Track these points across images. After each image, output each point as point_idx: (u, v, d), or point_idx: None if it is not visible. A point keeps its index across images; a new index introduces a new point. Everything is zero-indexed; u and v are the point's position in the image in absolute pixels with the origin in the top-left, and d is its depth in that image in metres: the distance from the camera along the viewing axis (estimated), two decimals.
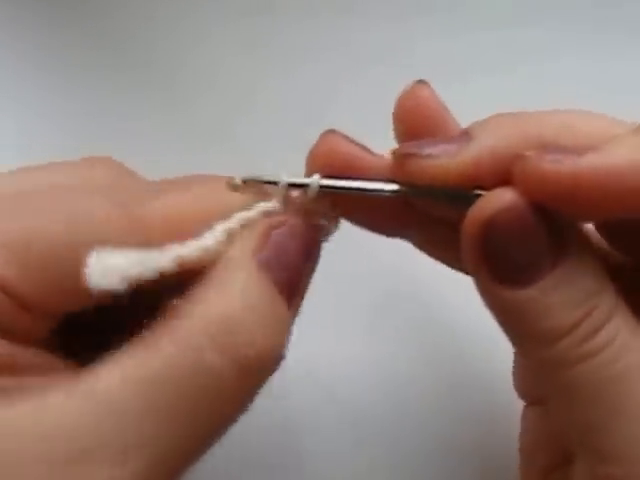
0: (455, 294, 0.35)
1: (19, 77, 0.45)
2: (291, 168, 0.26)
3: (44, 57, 0.45)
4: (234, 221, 0.24)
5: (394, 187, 0.24)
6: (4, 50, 0.45)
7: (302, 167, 0.26)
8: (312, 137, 0.26)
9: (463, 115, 0.26)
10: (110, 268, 0.21)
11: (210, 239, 0.23)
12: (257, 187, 0.25)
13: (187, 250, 0.23)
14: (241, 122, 0.43)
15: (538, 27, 0.46)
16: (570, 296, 0.22)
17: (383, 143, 0.26)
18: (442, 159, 0.23)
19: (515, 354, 0.31)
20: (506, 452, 0.32)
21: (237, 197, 0.25)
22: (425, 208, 0.25)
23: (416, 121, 0.25)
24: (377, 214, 0.27)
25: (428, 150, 0.23)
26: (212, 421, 0.22)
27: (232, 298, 0.22)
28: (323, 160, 0.25)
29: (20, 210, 0.23)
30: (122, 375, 0.21)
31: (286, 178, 0.25)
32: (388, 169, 0.25)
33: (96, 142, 0.40)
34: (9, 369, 0.22)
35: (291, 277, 0.24)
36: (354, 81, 0.44)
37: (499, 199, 0.22)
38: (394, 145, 0.26)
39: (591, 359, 0.22)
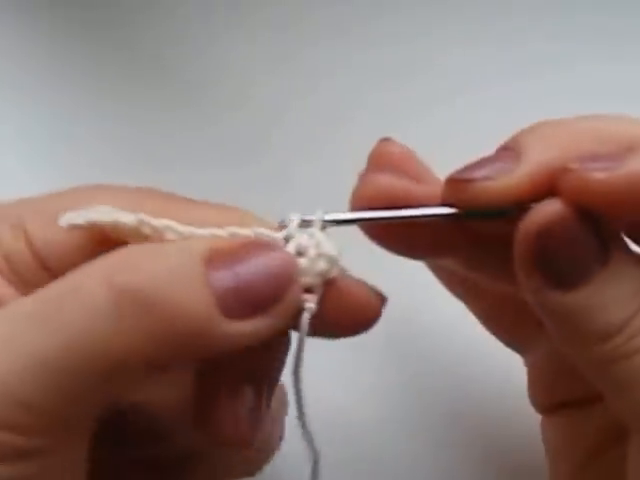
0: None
1: (42, 92, 0.45)
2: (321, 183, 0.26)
3: (72, 75, 0.46)
4: (222, 231, 0.24)
5: (449, 211, 0.25)
6: (18, 64, 0.46)
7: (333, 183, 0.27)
8: (344, 151, 0.26)
9: (480, 124, 0.26)
10: (72, 217, 0.24)
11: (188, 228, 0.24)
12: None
13: (157, 222, 0.24)
14: (272, 139, 0.44)
15: (555, 38, 0.46)
16: (620, 292, 0.23)
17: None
18: (501, 179, 0.24)
19: (528, 370, 0.32)
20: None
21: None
22: (476, 227, 0.26)
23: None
24: (422, 238, 0.27)
25: (483, 173, 0.24)
26: (93, 349, 0.21)
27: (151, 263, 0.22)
28: (367, 203, 0.26)
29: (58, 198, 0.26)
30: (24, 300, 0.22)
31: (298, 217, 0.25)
32: (437, 197, 0.25)
33: (125, 163, 0.41)
34: None
35: (244, 300, 0.23)
36: (381, 94, 0.44)
37: (549, 210, 0.23)
38: (426, 153, 0.26)
39: (631, 358, 0.23)
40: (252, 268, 0.23)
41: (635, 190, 0.22)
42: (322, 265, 0.24)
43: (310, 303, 0.24)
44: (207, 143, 0.43)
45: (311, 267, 0.24)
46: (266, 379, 0.27)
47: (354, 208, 0.26)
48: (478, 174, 0.24)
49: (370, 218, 0.25)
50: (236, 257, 0.23)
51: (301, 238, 0.25)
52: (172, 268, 0.22)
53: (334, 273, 0.24)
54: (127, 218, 0.24)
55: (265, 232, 0.25)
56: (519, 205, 0.24)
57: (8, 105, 0.44)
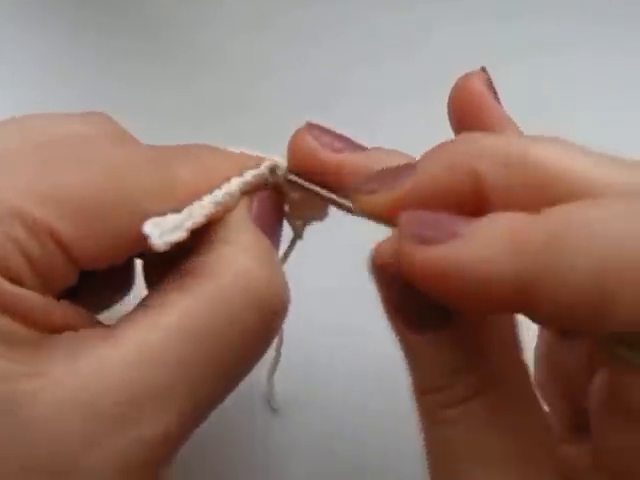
0: None
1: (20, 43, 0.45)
2: None
3: (49, 22, 0.45)
4: (247, 177, 0.26)
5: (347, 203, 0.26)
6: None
7: None
8: (320, 114, 0.27)
9: None
10: (169, 228, 0.23)
11: (227, 195, 0.25)
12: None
13: (217, 196, 0.25)
14: (250, 95, 0.44)
15: (554, 20, 0.46)
16: (445, 358, 0.22)
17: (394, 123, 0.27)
18: (377, 196, 0.24)
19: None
20: None
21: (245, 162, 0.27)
22: None
23: (467, 111, 0.26)
24: None
25: (371, 186, 0.24)
26: (238, 365, 0.24)
27: (247, 254, 0.24)
28: (298, 163, 0.27)
29: (57, 162, 0.23)
30: (162, 325, 0.22)
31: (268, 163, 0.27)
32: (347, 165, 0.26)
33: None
34: (47, 323, 0.22)
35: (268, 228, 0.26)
36: (365, 65, 0.44)
37: (386, 249, 0.23)
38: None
39: (444, 426, 0.22)
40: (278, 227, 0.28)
41: (440, 278, 0.20)
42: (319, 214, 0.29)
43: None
44: (189, 99, 0.43)
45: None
46: None
47: (289, 160, 0.27)
48: (369, 186, 0.24)
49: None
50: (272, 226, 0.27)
51: None
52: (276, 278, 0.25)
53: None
54: (213, 204, 0.25)
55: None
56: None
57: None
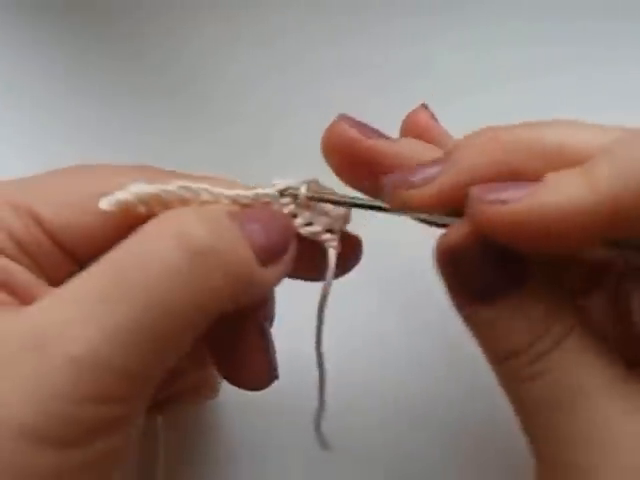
0: None
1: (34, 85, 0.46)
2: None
3: (68, 69, 0.47)
4: (241, 190, 0.28)
5: (378, 204, 0.27)
6: (15, 55, 0.47)
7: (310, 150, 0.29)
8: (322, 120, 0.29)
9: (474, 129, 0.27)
10: (115, 195, 0.25)
11: (203, 191, 0.27)
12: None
13: (180, 186, 0.26)
14: (273, 139, 0.45)
15: (552, 44, 0.47)
16: (525, 318, 0.24)
17: None
18: (416, 190, 0.25)
19: None
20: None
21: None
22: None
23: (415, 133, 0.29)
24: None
25: (413, 179, 0.25)
26: (174, 305, 0.24)
27: (187, 211, 0.26)
28: (332, 149, 0.28)
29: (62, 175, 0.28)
30: (92, 271, 0.24)
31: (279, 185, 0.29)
32: (396, 154, 0.27)
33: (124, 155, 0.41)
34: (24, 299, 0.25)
35: (269, 248, 0.26)
36: (380, 98, 0.45)
37: (455, 233, 0.24)
38: None
39: (541, 378, 0.24)
40: (271, 224, 0.27)
41: (527, 228, 0.23)
42: (341, 222, 0.29)
43: (333, 242, 0.29)
44: (185, 111, 0.45)
45: (329, 218, 0.29)
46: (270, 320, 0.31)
47: (322, 150, 0.28)
48: (408, 179, 0.25)
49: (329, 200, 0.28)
50: (255, 215, 0.27)
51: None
52: (218, 229, 0.25)
53: (349, 219, 0.29)
54: (169, 186, 0.26)
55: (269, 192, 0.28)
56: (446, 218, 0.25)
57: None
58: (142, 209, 0.26)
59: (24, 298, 0.26)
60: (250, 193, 0.28)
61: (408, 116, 0.29)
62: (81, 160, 0.29)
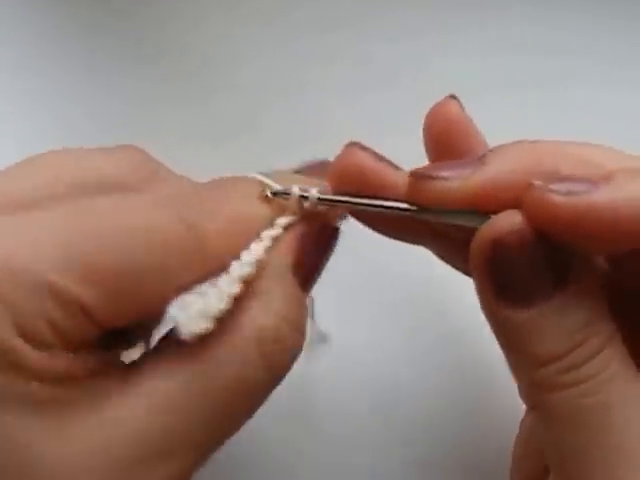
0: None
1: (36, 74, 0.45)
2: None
3: (63, 49, 0.46)
4: (277, 228, 0.26)
5: (404, 206, 0.26)
6: (23, 44, 0.45)
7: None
8: (330, 137, 0.28)
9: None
10: (195, 315, 0.23)
11: (260, 249, 0.25)
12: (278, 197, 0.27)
13: (245, 268, 0.25)
14: (264, 117, 0.44)
15: (556, 55, 0.46)
16: (563, 326, 0.23)
17: (396, 149, 0.27)
18: (453, 182, 0.24)
19: None
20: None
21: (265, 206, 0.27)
22: (436, 227, 0.27)
23: (444, 137, 0.27)
24: (390, 223, 0.28)
25: (442, 173, 0.24)
26: (244, 417, 0.25)
27: (276, 310, 0.24)
28: (343, 175, 0.26)
29: (89, 223, 0.23)
30: (178, 381, 0.23)
31: (297, 191, 0.27)
32: (405, 188, 0.26)
33: (114, 135, 0.40)
34: (70, 379, 0.22)
35: (310, 275, 0.27)
36: (374, 90, 0.44)
37: (508, 221, 0.23)
38: (402, 153, 0.27)
39: (574, 387, 0.23)
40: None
41: (595, 221, 0.22)
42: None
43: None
44: (195, 120, 0.44)
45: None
46: None
47: (330, 178, 0.27)
48: (437, 173, 0.24)
49: (337, 200, 0.27)
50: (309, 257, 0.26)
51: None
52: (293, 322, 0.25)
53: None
54: (234, 286, 0.24)
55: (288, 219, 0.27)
56: (475, 212, 0.24)
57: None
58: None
59: (68, 380, 0.23)
60: (277, 230, 0.26)
61: (435, 108, 0.27)
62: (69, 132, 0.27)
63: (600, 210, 0.22)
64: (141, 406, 0.22)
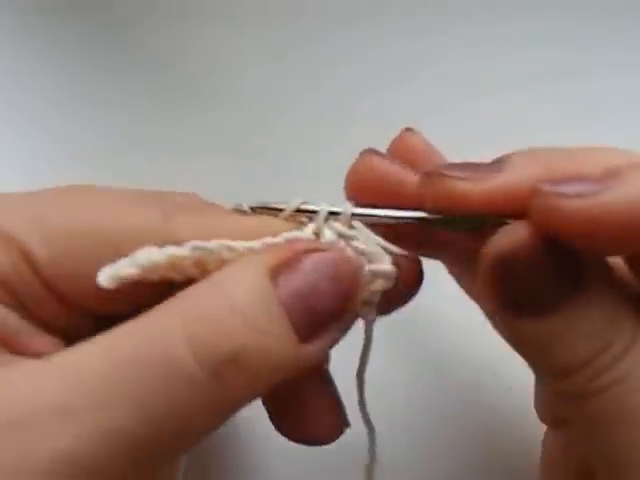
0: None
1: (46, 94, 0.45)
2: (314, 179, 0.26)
3: (68, 68, 0.46)
4: (279, 238, 0.24)
5: (419, 215, 0.25)
6: (29, 67, 0.46)
7: (325, 177, 0.27)
8: (335, 150, 0.27)
9: (486, 132, 0.26)
10: (123, 263, 0.21)
11: (240, 245, 0.23)
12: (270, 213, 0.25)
13: (203, 245, 0.23)
14: (267, 134, 0.44)
15: (563, 47, 0.46)
16: (586, 330, 0.22)
17: None
18: (467, 183, 0.23)
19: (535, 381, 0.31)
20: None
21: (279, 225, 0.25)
22: (449, 237, 0.26)
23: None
24: (405, 236, 0.27)
25: (457, 173, 0.23)
26: (181, 421, 0.21)
27: (223, 300, 0.21)
28: (361, 180, 0.26)
29: (66, 204, 0.24)
30: (94, 352, 0.21)
31: (295, 204, 0.25)
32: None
33: (120, 153, 0.41)
34: (10, 345, 0.23)
35: (314, 319, 0.22)
36: (378, 95, 0.44)
37: (514, 234, 0.22)
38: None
39: (608, 391, 0.22)
40: (325, 290, 0.22)
41: (605, 222, 0.20)
42: (380, 283, 0.24)
43: (371, 316, 0.24)
44: (206, 136, 0.43)
45: (370, 283, 0.24)
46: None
47: (347, 185, 0.26)
48: (451, 172, 0.23)
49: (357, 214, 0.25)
50: (306, 287, 0.22)
51: (330, 235, 0.24)
52: (249, 317, 0.21)
53: (393, 282, 0.24)
54: (180, 250, 0.22)
55: (297, 234, 0.24)
56: (491, 218, 0.23)
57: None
58: (154, 277, 0.22)
59: (14, 346, 0.23)
60: (279, 239, 0.24)
61: (399, 140, 0.27)
62: (69, 144, 0.27)
63: (615, 211, 0.20)
64: (47, 369, 0.21)
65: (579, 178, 0.21)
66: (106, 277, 0.21)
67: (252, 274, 0.22)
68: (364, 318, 0.25)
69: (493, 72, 0.45)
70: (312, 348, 0.22)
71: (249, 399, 0.22)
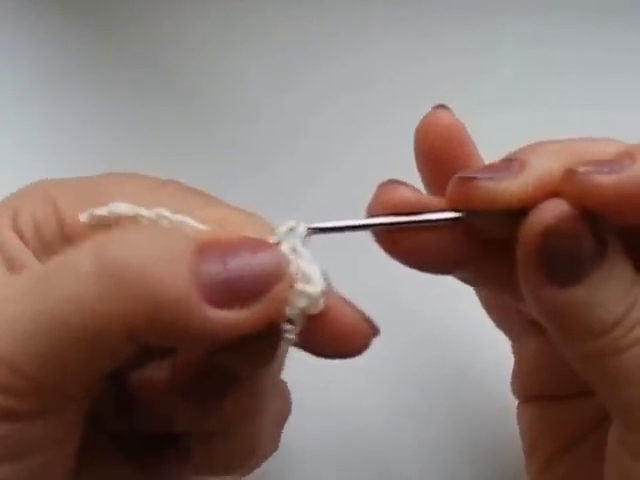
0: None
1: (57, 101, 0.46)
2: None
3: (86, 85, 0.46)
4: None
5: (454, 215, 0.25)
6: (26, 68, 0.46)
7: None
8: (349, 173, 0.27)
9: (491, 142, 0.27)
10: (95, 209, 0.25)
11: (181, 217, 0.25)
12: None
13: (175, 217, 0.25)
14: (280, 157, 0.44)
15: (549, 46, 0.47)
16: (616, 287, 0.24)
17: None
18: (506, 182, 0.25)
19: (514, 357, 0.33)
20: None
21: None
22: (483, 230, 0.26)
23: (437, 147, 0.27)
24: (435, 249, 0.26)
25: (487, 175, 0.25)
26: (72, 312, 0.22)
27: (142, 236, 0.23)
28: (384, 209, 0.26)
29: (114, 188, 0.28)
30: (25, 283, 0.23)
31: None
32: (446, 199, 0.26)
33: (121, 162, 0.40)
34: None
35: (228, 286, 0.22)
36: (388, 117, 0.45)
37: (557, 208, 0.24)
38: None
39: (632, 349, 0.24)
40: (242, 261, 0.22)
41: (633, 194, 0.23)
42: (303, 302, 0.23)
43: (290, 335, 0.23)
44: (225, 152, 0.44)
45: (292, 300, 0.23)
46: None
47: (369, 216, 0.26)
48: (483, 175, 0.25)
49: (363, 225, 0.25)
50: (228, 249, 0.23)
51: (287, 247, 0.24)
52: (160, 248, 0.22)
53: (318, 308, 0.23)
54: (146, 212, 0.25)
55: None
56: (521, 210, 0.24)
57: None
58: (118, 223, 0.25)
59: None
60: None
61: (426, 120, 0.27)
62: (69, 144, 0.28)
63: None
64: None
65: (599, 161, 0.24)
66: (85, 214, 0.26)
67: (180, 235, 0.23)
68: (284, 334, 0.24)
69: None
70: (222, 314, 0.22)
71: (129, 323, 0.22)
